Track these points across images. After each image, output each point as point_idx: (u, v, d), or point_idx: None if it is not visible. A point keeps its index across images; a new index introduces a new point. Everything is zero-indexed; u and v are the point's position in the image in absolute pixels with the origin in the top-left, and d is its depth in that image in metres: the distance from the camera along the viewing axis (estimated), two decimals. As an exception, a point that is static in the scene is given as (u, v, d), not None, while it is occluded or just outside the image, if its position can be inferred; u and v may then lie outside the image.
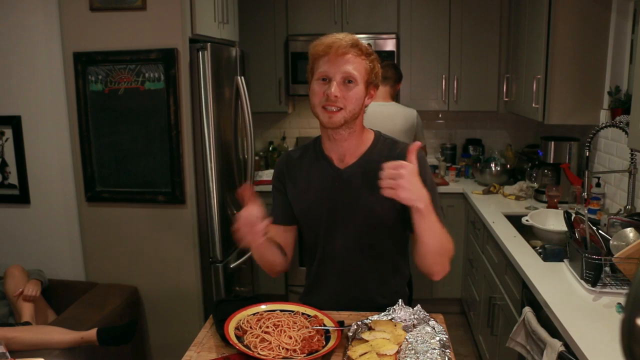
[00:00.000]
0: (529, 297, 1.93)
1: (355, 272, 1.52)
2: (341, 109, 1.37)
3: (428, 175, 1.42)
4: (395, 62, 3.63)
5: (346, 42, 1.37)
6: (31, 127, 2.66)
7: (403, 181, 1.20)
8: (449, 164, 3.93)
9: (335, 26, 3.66)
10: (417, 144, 1.29)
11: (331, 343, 1.29)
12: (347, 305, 1.52)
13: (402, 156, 1.33)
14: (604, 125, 2.41)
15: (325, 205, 1.49)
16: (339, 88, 1.36)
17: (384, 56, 3.56)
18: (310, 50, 1.42)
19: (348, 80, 1.37)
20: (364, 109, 1.45)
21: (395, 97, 3.70)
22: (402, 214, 1.43)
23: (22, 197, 2.72)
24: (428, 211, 1.27)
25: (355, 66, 1.37)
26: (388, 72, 3.14)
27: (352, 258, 1.50)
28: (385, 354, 1.19)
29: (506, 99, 3.58)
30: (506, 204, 3.09)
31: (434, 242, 1.33)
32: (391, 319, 1.35)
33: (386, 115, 2.99)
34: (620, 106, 2.57)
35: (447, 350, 1.24)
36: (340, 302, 1.53)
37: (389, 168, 1.23)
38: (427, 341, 1.27)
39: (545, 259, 2.09)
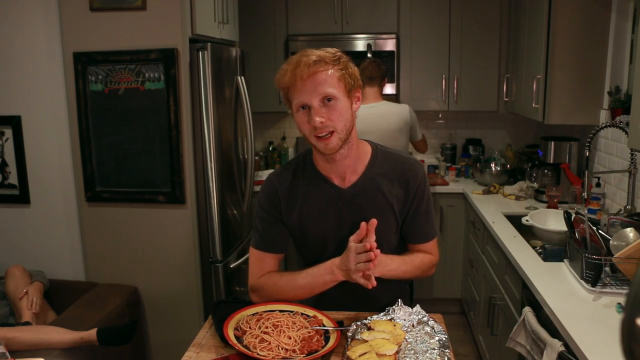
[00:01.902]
0: (529, 297, 1.93)
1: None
2: (333, 131, 1.31)
3: (427, 195, 1.49)
4: (395, 62, 3.63)
5: (310, 61, 1.28)
6: (31, 127, 2.66)
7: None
8: (449, 164, 3.93)
9: (335, 26, 3.66)
10: (373, 222, 1.31)
11: (331, 343, 1.29)
12: (350, 304, 1.52)
13: (405, 176, 1.44)
14: (604, 125, 2.41)
15: (332, 227, 1.46)
16: (321, 112, 1.29)
17: (384, 56, 3.56)
18: (278, 83, 1.34)
19: (327, 99, 1.30)
20: (354, 117, 1.39)
21: (395, 97, 3.71)
22: (401, 229, 1.51)
23: (22, 197, 2.71)
24: (386, 274, 1.41)
25: (328, 82, 1.29)
26: (373, 71, 3.03)
27: None
28: (385, 354, 1.19)
29: (506, 99, 3.58)
30: (506, 204, 3.09)
31: (401, 277, 1.48)
32: (390, 319, 1.35)
33: (378, 115, 2.94)
34: (620, 106, 2.57)
35: (447, 350, 1.24)
36: (344, 302, 1.52)
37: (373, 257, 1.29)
38: (427, 341, 1.27)
39: (545, 259, 2.09)
